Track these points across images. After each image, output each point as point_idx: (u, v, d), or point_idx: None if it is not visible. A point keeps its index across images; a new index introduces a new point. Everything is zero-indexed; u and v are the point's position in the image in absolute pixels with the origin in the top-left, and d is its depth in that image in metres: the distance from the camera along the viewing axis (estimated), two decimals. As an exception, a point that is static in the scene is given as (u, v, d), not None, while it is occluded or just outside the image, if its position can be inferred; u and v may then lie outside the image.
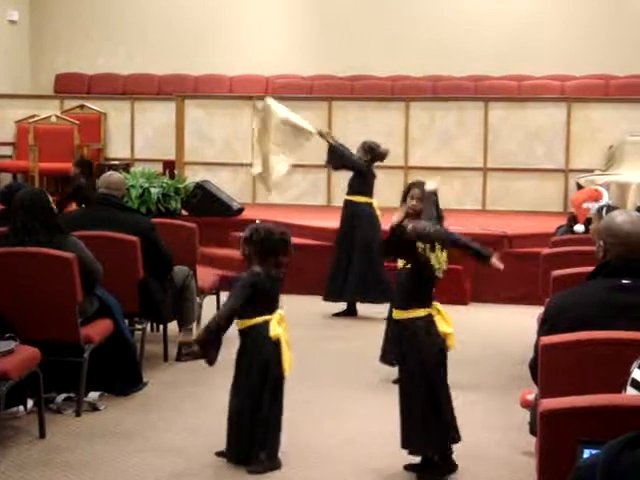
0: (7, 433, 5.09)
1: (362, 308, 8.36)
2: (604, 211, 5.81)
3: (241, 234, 5.00)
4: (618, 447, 1.97)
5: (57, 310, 5.45)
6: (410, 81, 13.66)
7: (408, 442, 4.67)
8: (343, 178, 10.59)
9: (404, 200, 6.35)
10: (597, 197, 7.05)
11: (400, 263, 4.79)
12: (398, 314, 4.76)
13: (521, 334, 6.64)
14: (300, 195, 11.62)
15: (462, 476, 4.69)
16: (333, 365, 6.82)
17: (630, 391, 2.93)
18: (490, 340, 7.58)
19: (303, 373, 6.57)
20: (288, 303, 8.49)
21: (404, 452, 4.73)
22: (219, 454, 4.85)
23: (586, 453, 2.48)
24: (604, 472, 1.94)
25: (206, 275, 7.59)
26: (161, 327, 7.05)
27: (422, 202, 6.21)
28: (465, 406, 5.41)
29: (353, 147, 8.47)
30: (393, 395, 4.85)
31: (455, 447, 4.72)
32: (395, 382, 5.18)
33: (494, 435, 5.30)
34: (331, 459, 4.94)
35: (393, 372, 5.66)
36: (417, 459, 4.73)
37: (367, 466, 4.85)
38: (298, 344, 7.30)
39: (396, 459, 4.79)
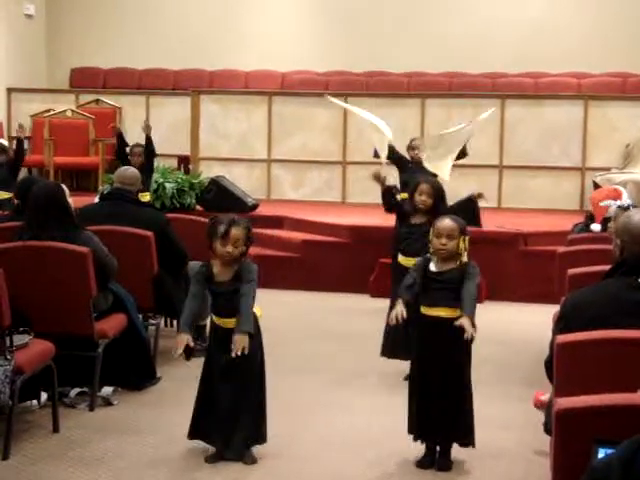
0: (21, 427, 5.10)
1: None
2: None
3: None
4: (634, 446, 1.96)
5: (71, 304, 5.45)
6: (426, 78, 13.64)
7: (466, 433, 4.72)
8: (358, 176, 10.61)
9: (412, 197, 6.32)
10: (616, 196, 7.01)
11: (442, 266, 4.71)
12: (454, 312, 4.64)
13: (537, 332, 6.61)
14: (315, 191, 11.61)
15: (478, 474, 4.68)
16: (343, 360, 6.81)
17: (646, 390, 2.92)
18: (505, 339, 7.55)
19: (311, 368, 6.58)
20: (302, 299, 8.56)
21: (411, 448, 4.75)
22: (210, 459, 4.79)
23: (601, 452, 2.47)
24: (620, 471, 1.92)
25: (220, 271, 7.57)
26: (175, 322, 7.06)
27: (431, 198, 6.20)
28: (481, 404, 5.39)
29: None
30: (400, 391, 4.84)
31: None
32: (406, 379, 5.13)
33: (509, 433, 5.27)
34: (334, 451, 4.93)
35: (400, 368, 5.65)
36: (418, 453, 4.75)
37: (371, 460, 4.83)
38: (308, 339, 7.33)
39: (404, 455, 4.80)
